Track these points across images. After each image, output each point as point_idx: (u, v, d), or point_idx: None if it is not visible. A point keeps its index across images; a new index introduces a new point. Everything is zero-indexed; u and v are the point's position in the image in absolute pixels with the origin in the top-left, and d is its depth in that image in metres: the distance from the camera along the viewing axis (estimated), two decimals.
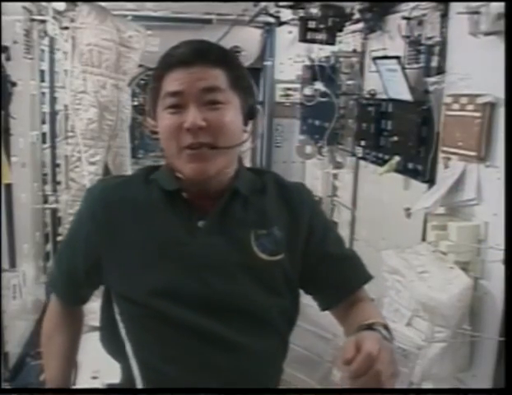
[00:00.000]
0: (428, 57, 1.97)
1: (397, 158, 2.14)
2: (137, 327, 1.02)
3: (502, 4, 1.45)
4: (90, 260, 1.06)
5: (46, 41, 2.80)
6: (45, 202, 2.88)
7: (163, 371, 0.99)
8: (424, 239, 1.87)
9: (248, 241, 1.02)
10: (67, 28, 2.91)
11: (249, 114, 1.07)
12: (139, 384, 1.01)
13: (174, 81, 0.98)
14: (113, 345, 1.08)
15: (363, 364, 0.77)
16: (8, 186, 2.23)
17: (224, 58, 1.02)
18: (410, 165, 2.09)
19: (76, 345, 1.20)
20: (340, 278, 1.09)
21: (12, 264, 2.31)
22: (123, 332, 1.03)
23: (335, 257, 1.10)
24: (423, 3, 2.00)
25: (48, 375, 1.15)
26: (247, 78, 1.09)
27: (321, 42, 2.60)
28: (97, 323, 1.16)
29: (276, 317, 1.04)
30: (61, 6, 2.80)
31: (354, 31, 2.67)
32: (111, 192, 1.07)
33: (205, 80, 0.97)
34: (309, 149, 3.04)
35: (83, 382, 1.22)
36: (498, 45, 1.52)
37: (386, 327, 0.95)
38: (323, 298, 1.13)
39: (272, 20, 3.27)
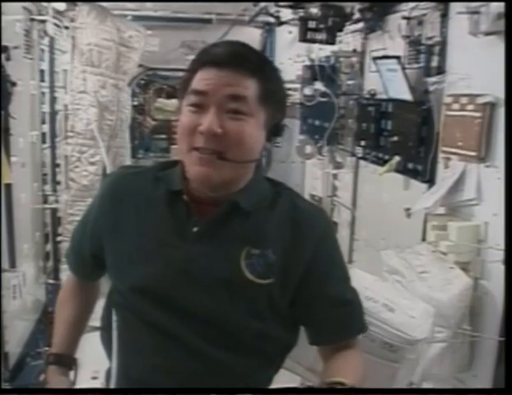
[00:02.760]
0: (428, 57, 1.97)
1: (397, 158, 2.14)
2: (121, 320, 1.04)
3: (502, 4, 1.45)
4: (95, 243, 1.09)
5: (46, 41, 2.80)
6: (45, 202, 2.88)
7: (133, 367, 1.01)
8: (424, 239, 1.87)
9: (237, 258, 0.98)
10: (67, 28, 2.91)
11: (275, 131, 1.03)
12: (113, 378, 1.02)
13: (201, 80, 0.95)
14: (107, 341, 1.09)
15: None
16: (8, 186, 2.23)
17: (261, 68, 0.97)
18: (410, 165, 2.08)
19: (86, 316, 1.24)
20: (334, 322, 1.04)
21: (12, 264, 2.31)
22: (114, 325, 1.05)
23: (333, 300, 1.04)
24: (423, 3, 2.00)
25: (54, 340, 1.19)
26: (281, 94, 1.04)
27: (321, 42, 2.60)
28: (97, 323, 1.17)
29: (254, 339, 1.00)
30: (61, 6, 2.80)
31: (354, 31, 2.66)
32: (122, 181, 1.08)
33: (233, 86, 0.93)
34: (309, 149, 3.04)
35: (83, 382, 1.23)
36: (498, 45, 1.52)
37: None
38: (313, 334, 1.08)
39: (272, 20, 3.27)
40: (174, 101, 3.92)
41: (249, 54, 0.98)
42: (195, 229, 1.00)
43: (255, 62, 0.97)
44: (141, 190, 1.05)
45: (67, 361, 1.17)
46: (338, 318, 1.04)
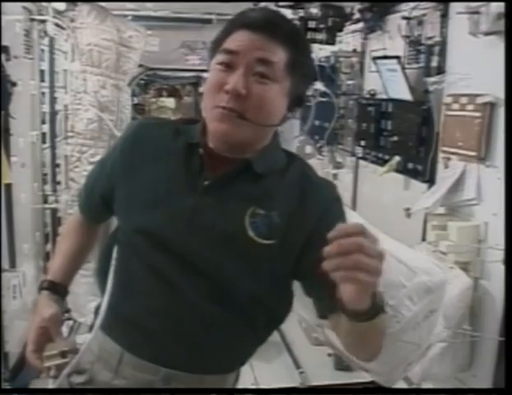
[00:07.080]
0: (428, 57, 1.98)
1: (397, 158, 2.14)
2: (121, 259, 1.07)
3: (502, 4, 1.45)
4: (108, 186, 1.12)
5: (46, 41, 2.80)
6: (45, 202, 2.88)
7: (124, 305, 1.03)
8: (424, 239, 1.87)
9: (242, 215, 1.00)
10: (68, 27, 2.91)
11: (297, 102, 1.06)
12: (101, 313, 1.04)
13: (234, 41, 0.98)
14: (103, 277, 1.10)
15: (346, 242, 0.76)
16: (8, 186, 2.23)
17: (292, 38, 1.01)
18: (410, 165, 2.09)
19: (84, 253, 1.30)
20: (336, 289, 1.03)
21: (12, 264, 2.31)
22: (113, 262, 1.07)
23: None
24: (423, 3, 2.00)
25: (51, 269, 1.25)
26: (308, 66, 1.08)
27: (321, 42, 2.60)
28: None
29: (247, 299, 1.01)
30: (61, 6, 2.80)
31: (354, 31, 2.67)
32: (144, 130, 1.12)
33: (262, 51, 0.97)
34: (309, 149, 3.04)
35: None
36: (498, 45, 1.53)
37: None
38: (319, 304, 1.07)
39: None
40: (172, 100, 3.97)
41: (283, 23, 1.03)
42: (206, 182, 1.02)
43: (288, 32, 1.01)
44: (162, 139, 1.08)
45: (61, 290, 1.21)
46: None
